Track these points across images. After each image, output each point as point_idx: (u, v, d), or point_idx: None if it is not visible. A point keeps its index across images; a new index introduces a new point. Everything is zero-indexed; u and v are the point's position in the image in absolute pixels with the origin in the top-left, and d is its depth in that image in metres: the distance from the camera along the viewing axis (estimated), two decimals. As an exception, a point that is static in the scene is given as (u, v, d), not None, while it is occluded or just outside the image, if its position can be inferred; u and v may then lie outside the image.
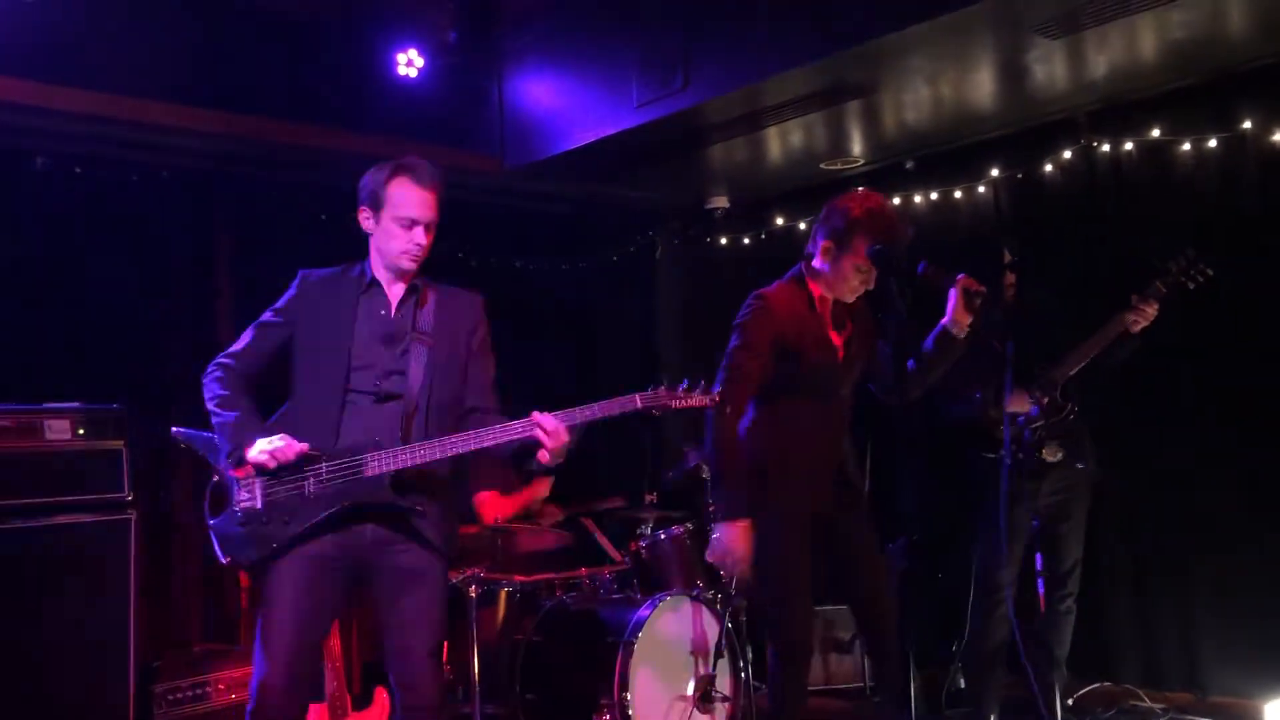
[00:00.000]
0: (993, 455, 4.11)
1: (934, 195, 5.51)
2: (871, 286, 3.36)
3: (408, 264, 3.00)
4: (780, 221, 6.19)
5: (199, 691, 4.11)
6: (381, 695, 4.21)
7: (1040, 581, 3.11)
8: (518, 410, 2.91)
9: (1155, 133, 4.72)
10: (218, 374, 3.01)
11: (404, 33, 5.21)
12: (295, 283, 3.10)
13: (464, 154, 5.57)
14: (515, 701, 4.23)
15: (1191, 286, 3.93)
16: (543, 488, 5.16)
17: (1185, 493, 4.65)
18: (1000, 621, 4.21)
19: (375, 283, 3.05)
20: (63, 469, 3.83)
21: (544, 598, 4.49)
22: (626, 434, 6.36)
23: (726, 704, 4.12)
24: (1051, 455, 4.03)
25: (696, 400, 2.91)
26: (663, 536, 4.53)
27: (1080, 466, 4.11)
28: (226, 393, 2.98)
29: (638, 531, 4.73)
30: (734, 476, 3.28)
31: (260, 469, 2.85)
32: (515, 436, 2.85)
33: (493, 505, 4.93)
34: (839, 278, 3.34)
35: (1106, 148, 4.86)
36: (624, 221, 6.62)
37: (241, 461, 2.87)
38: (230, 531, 2.89)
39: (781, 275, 3.51)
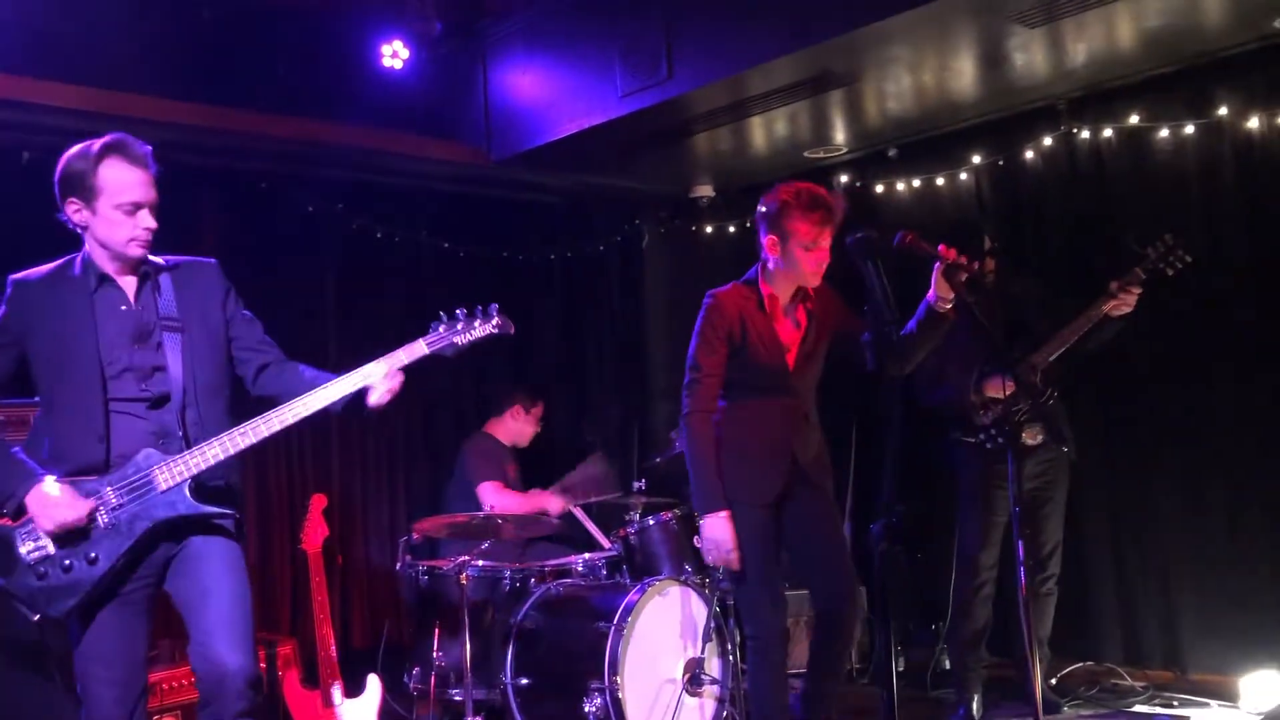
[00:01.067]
0: (972, 439, 4.18)
1: (916, 182, 5.56)
2: (827, 261, 3.43)
3: (137, 251, 2.78)
4: (764, 210, 6.22)
5: (193, 680, 4.13)
6: (373, 682, 4.25)
7: (1020, 565, 3.17)
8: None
9: (1134, 119, 4.77)
10: None
11: (389, 24, 5.22)
12: (8, 296, 2.81)
13: (450, 145, 5.59)
14: (507, 687, 4.28)
15: (1170, 273, 3.99)
16: (556, 504, 5.20)
17: (1165, 475, 4.72)
18: (982, 603, 4.28)
19: (105, 278, 2.80)
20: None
21: (535, 584, 4.54)
22: (613, 421, 6.44)
23: (715, 686, 4.17)
24: (1032, 439, 4.10)
25: (482, 329, 2.91)
26: (651, 522, 4.57)
27: (1065, 450, 4.17)
28: None
29: (626, 518, 4.77)
30: (704, 471, 3.45)
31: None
32: (346, 395, 2.78)
33: (495, 495, 5.00)
34: (792, 265, 3.42)
35: (1086, 134, 4.91)
36: (610, 211, 6.65)
37: (20, 511, 2.66)
38: (31, 587, 2.66)
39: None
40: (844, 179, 5.83)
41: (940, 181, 5.48)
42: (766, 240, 3.45)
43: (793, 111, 5.04)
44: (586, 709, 3.98)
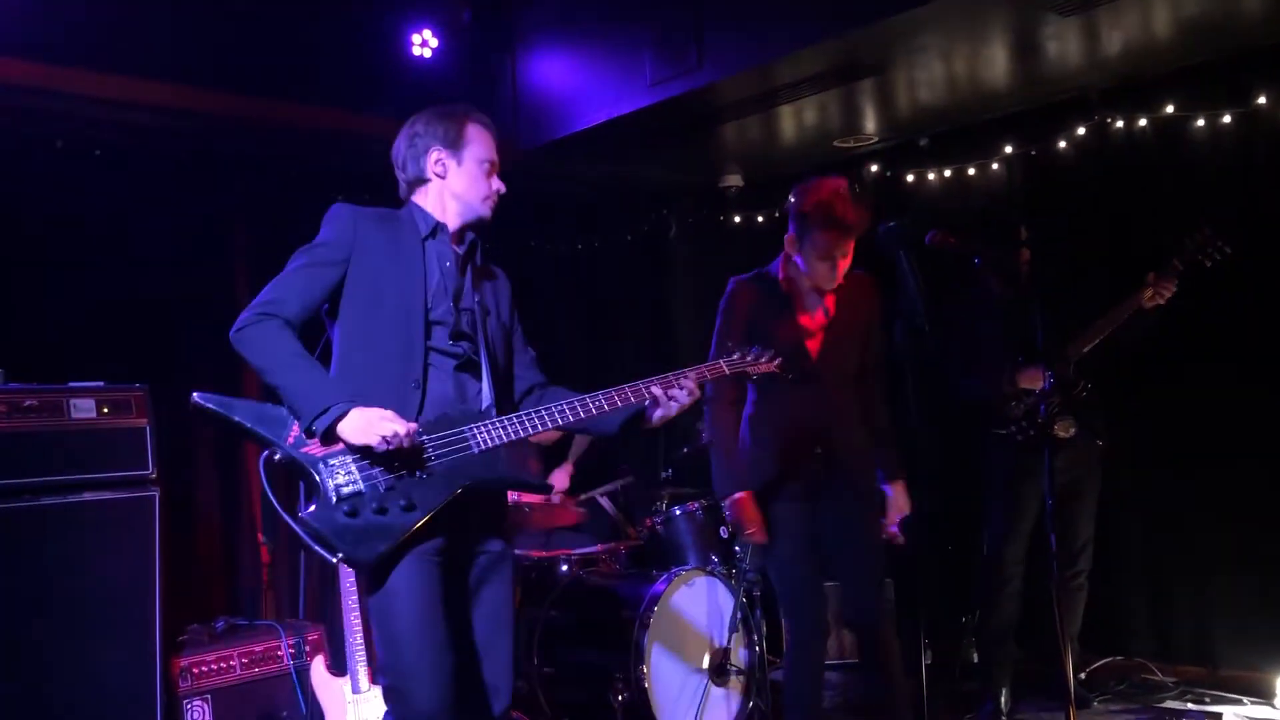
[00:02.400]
0: (1004, 431, 4.15)
1: (948, 173, 5.51)
2: (846, 265, 3.43)
3: (489, 211, 2.76)
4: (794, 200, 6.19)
5: (223, 665, 4.18)
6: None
7: (1053, 559, 3.15)
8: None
9: (1169, 109, 4.71)
10: (266, 326, 2.48)
11: (418, 12, 5.22)
12: (339, 216, 2.65)
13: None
14: (533, 675, 4.29)
15: (1209, 264, 3.93)
16: (562, 481, 5.22)
17: (1198, 468, 4.66)
18: (1010, 597, 4.25)
19: (441, 228, 2.70)
20: (87, 447, 3.87)
21: (561, 573, 4.54)
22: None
23: (741, 677, 4.17)
24: (1064, 431, 4.05)
25: (766, 365, 2.87)
26: (677, 512, 4.58)
27: (1099, 443, 4.13)
28: (288, 348, 2.46)
29: (653, 508, 4.77)
30: (720, 456, 3.51)
31: (359, 450, 2.40)
32: (644, 400, 2.63)
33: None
34: (808, 265, 3.46)
35: (1120, 124, 4.86)
36: (638, 200, 6.63)
37: (331, 435, 2.40)
38: (338, 522, 2.36)
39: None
40: (874, 168, 5.80)
41: (972, 171, 5.43)
42: (788, 235, 3.49)
43: (822, 100, 5.00)
44: (612, 698, 3.99)
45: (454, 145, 2.71)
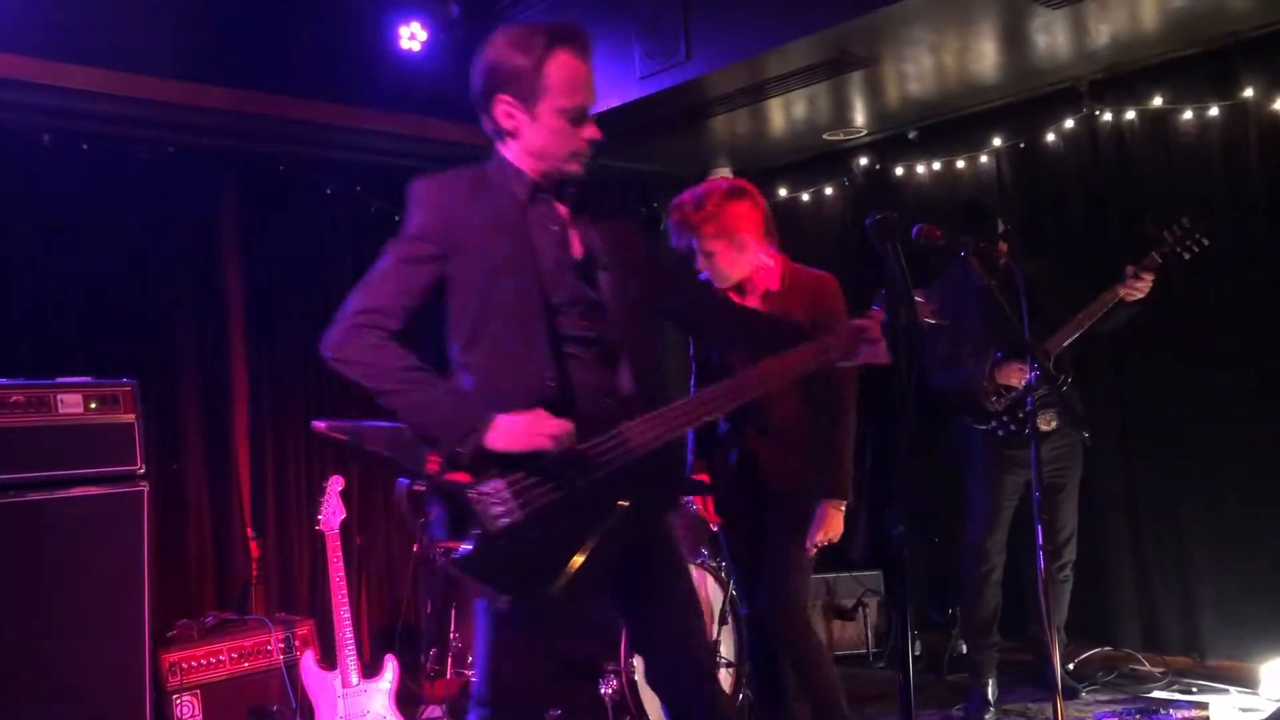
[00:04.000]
0: (983, 425, 4.16)
1: (936, 165, 5.52)
2: (732, 279, 3.51)
3: (578, 167, 2.33)
4: (784, 193, 6.20)
5: (212, 660, 4.18)
6: (391, 663, 4.27)
7: (1039, 550, 3.17)
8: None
9: (1157, 101, 4.72)
10: (367, 339, 2.14)
11: (407, 5, 5.21)
12: (426, 200, 2.25)
13: (468, 128, 5.50)
14: (523, 668, 4.29)
15: (1187, 257, 3.94)
16: None
17: (1184, 459, 4.68)
18: (992, 589, 4.27)
19: (539, 189, 2.31)
20: (75, 442, 3.87)
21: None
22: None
23: (730, 669, 4.18)
24: (1046, 424, 4.07)
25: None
26: (667, 506, 4.57)
27: (1085, 435, 4.14)
28: (400, 363, 2.13)
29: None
30: None
31: (511, 460, 2.07)
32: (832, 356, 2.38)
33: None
34: None
35: (1108, 117, 4.86)
36: (627, 194, 6.63)
37: (480, 458, 2.07)
38: (502, 561, 2.06)
39: (783, 248, 3.62)
40: (863, 161, 5.81)
41: (960, 164, 5.44)
42: None
43: (812, 93, 5.01)
44: (601, 690, 3.99)
45: (528, 95, 2.25)
